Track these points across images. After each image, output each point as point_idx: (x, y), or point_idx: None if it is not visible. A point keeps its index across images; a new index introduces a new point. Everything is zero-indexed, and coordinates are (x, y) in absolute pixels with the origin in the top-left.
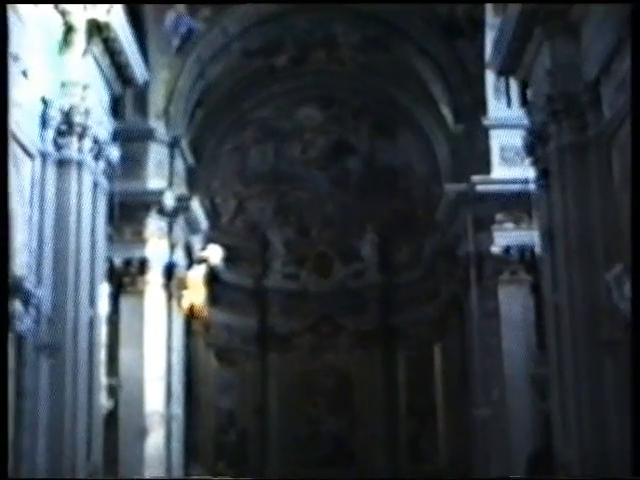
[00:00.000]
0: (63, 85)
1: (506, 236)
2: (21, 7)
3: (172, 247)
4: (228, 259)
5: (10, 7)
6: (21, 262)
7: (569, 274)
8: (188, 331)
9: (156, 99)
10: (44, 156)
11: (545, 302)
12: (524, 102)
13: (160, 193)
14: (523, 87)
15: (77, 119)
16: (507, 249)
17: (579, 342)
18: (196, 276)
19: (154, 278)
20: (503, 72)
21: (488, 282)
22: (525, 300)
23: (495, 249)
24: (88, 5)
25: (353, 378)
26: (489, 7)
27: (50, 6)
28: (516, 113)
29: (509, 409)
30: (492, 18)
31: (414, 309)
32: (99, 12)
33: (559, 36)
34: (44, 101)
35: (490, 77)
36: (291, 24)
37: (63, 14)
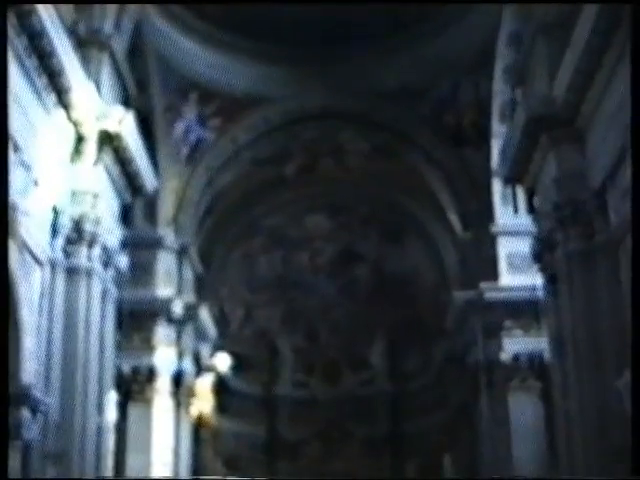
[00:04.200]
0: (74, 194)
1: (515, 343)
2: (34, 118)
3: (180, 355)
4: (237, 367)
5: (24, 118)
6: (29, 370)
7: (579, 381)
8: (196, 439)
9: (165, 207)
10: (53, 264)
11: (555, 409)
12: (531, 209)
13: (169, 301)
14: (530, 194)
15: (87, 227)
16: (516, 356)
17: (590, 449)
18: (204, 384)
19: (162, 386)
20: (510, 180)
21: (498, 389)
22: (535, 407)
23: (504, 356)
24: (100, 115)
25: None
26: (495, 116)
27: (63, 116)
28: (523, 220)
29: None
30: (498, 126)
31: (424, 417)
32: (111, 122)
33: (564, 144)
34: (55, 210)
35: (497, 184)
36: (300, 133)
37: (75, 124)
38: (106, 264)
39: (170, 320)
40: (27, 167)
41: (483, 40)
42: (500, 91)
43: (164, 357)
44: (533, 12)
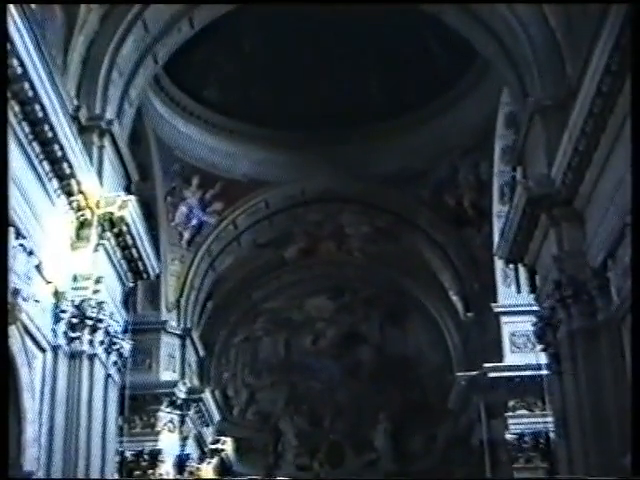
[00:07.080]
0: (75, 279)
1: (520, 423)
2: (36, 203)
3: (184, 439)
4: (240, 451)
5: (26, 203)
6: (31, 456)
7: (585, 460)
8: None
9: (167, 291)
10: (55, 349)
11: None
12: (533, 288)
13: (172, 385)
14: (532, 273)
15: (89, 312)
16: (521, 436)
17: None
18: (208, 469)
19: (166, 471)
20: (511, 260)
21: (503, 470)
22: None
23: (509, 436)
24: (102, 200)
25: None
26: (496, 196)
27: (65, 202)
28: (526, 299)
29: None
30: (499, 207)
31: None
32: (113, 208)
33: (564, 223)
34: (56, 295)
35: (499, 264)
36: (301, 216)
37: (77, 210)
38: (108, 349)
39: (173, 404)
40: (29, 252)
41: (482, 121)
42: (500, 172)
43: (167, 442)
44: (530, 94)
